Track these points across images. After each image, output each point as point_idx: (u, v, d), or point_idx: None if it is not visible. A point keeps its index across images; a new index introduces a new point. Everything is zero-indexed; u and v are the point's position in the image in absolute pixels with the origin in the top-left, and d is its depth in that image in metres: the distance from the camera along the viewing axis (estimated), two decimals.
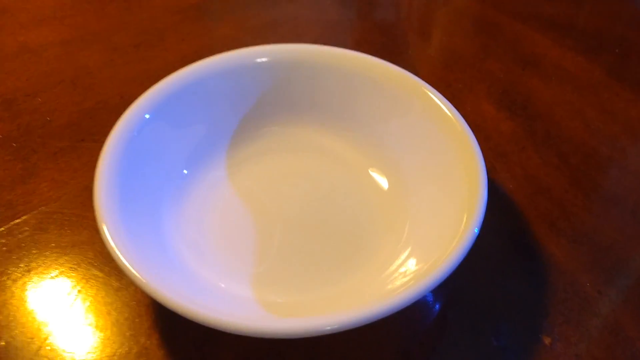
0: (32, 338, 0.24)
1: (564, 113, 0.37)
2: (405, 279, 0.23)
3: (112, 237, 0.21)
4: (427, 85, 0.28)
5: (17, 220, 0.28)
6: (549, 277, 0.27)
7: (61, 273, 0.26)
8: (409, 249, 0.26)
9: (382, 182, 0.30)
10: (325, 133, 0.31)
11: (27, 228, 0.28)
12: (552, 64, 0.42)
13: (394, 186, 0.29)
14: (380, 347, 0.24)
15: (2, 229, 0.28)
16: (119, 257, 0.21)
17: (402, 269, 0.25)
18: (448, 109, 0.27)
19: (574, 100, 0.38)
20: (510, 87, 0.39)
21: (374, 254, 0.27)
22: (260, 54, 0.30)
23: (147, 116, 0.26)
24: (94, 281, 0.26)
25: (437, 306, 0.26)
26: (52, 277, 0.26)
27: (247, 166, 0.30)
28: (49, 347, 0.23)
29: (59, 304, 0.25)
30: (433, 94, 0.28)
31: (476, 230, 0.23)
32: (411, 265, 0.25)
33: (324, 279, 0.26)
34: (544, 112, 0.37)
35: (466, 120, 0.27)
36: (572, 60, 0.42)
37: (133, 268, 0.21)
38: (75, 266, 0.26)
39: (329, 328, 0.20)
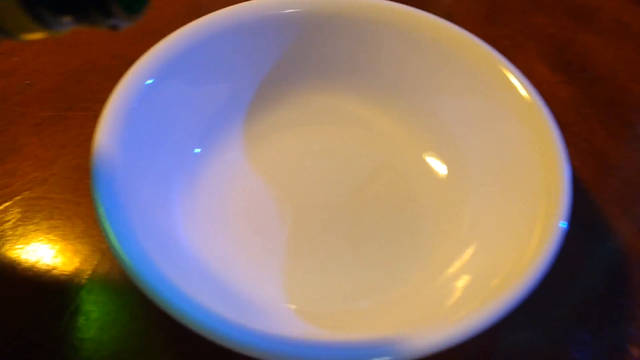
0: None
1: (628, 75, 0.33)
2: (474, 290, 0.19)
3: (119, 241, 0.18)
4: (498, 55, 0.23)
5: None
6: (630, 273, 0.23)
7: (52, 276, 0.22)
8: (472, 247, 0.22)
9: (439, 167, 0.25)
10: (368, 104, 0.26)
11: (9, 218, 0.24)
12: (609, 17, 0.37)
13: (453, 172, 0.24)
14: None
15: None
16: (130, 266, 0.17)
17: (465, 271, 0.21)
18: (523, 86, 0.22)
19: (638, 59, 0.34)
20: (564, 45, 0.34)
21: (430, 252, 0.22)
22: (288, 3, 0.24)
23: (149, 82, 0.21)
24: (93, 286, 0.22)
25: None
26: (43, 281, 0.22)
27: (269, 142, 0.25)
28: None
29: (52, 316, 0.21)
30: (506, 66, 0.23)
31: (564, 225, 0.19)
32: (475, 267, 0.21)
33: (369, 284, 0.22)
34: (604, 74, 0.33)
35: None
36: (633, 13, 0.37)
37: (148, 280, 0.17)
38: (70, 266, 0.22)
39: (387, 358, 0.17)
